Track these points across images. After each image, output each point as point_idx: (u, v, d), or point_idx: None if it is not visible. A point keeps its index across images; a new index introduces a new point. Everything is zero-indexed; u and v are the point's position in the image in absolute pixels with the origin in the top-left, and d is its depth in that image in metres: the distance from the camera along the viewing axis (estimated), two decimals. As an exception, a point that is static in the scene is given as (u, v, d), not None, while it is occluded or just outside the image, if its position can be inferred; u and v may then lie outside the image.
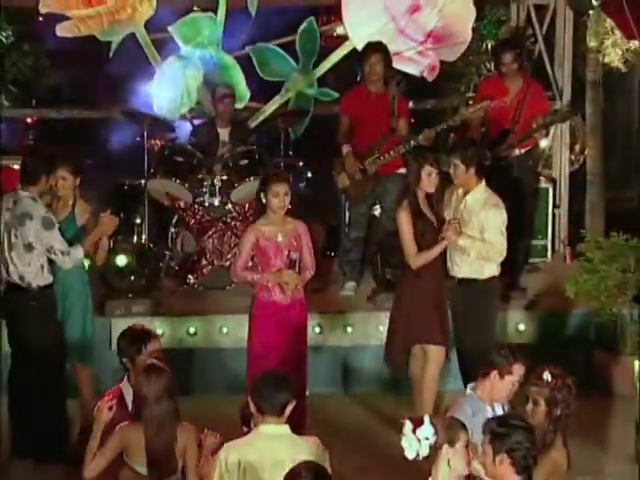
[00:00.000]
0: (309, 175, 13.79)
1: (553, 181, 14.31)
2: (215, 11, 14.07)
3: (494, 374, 8.70)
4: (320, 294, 12.81)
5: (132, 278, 12.39)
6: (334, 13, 14.24)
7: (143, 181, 13.18)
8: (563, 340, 12.37)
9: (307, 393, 11.21)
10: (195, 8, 14.25)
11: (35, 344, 10.54)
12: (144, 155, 13.31)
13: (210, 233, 12.94)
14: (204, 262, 13.00)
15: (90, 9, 13.75)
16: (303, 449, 7.87)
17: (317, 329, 12.22)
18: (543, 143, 14.28)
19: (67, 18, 13.78)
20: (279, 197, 10.57)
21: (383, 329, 11.82)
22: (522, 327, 12.34)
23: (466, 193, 10.86)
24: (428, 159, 11.08)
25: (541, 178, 14.17)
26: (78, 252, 10.72)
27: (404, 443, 7.74)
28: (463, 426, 7.88)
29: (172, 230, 13.17)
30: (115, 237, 11.88)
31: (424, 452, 7.63)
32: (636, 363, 11.05)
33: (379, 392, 11.61)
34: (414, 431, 7.70)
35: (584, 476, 10.23)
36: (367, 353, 12.29)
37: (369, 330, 12.35)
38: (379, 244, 12.98)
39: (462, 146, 11.36)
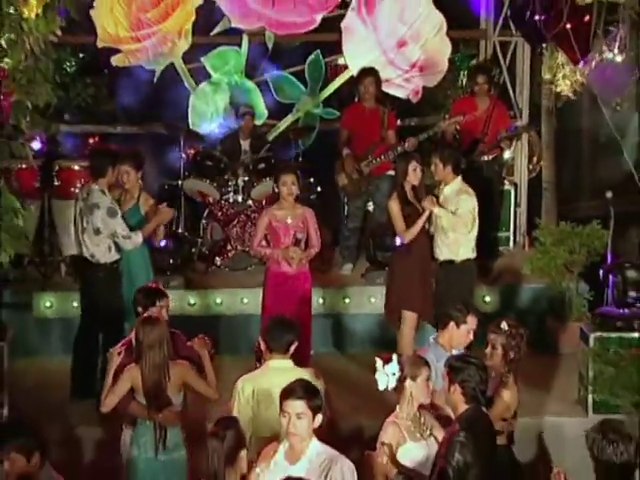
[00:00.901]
0: (319, 189, 13.66)
1: (515, 185, 14.33)
2: (239, 45, 14.12)
3: (452, 324, 8.87)
4: (324, 274, 12.86)
5: (170, 259, 12.49)
6: (336, 47, 14.15)
7: (180, 182, 13.21)
8: (521, 309, 12.46)
9: (312, 352, 11.43)
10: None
11: (101, 309, 10.62)
12: (180, 161, 13.54)
13: (234, 223, 12.96)
14: (229, 247, 13.04)
15: (138, 44, 13.78)
16: (304, 376, 7.77)
17: (321, 300, 12.35)
18: (507, 154, 14.16)
19: (119, 51, 13.80)
20: (287, 185, 10.75)
21: (374, 300, 12.22)
22: (488, 299, 12.41)
23: (445, 185, 11.04)
24: (414, 157, 11.28)
25: (505, 182, 14.16)
26: (138, 237, 10.75)
27: (377, 377, 7.91)
28: (426, 363, 8.05)
29: (203, 221, 13.14)
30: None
31: (392, 385, 7.82)
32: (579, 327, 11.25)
33: (371, 350, 11.47)
34: (383, 367, 7.87)
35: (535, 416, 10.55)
36: (361, 319, 12.44)
37: (363, 301, 12.48)
38: (372, 233, 13.13)
39: (440, 148, 11.44)
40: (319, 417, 6.91)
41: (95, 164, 11.06)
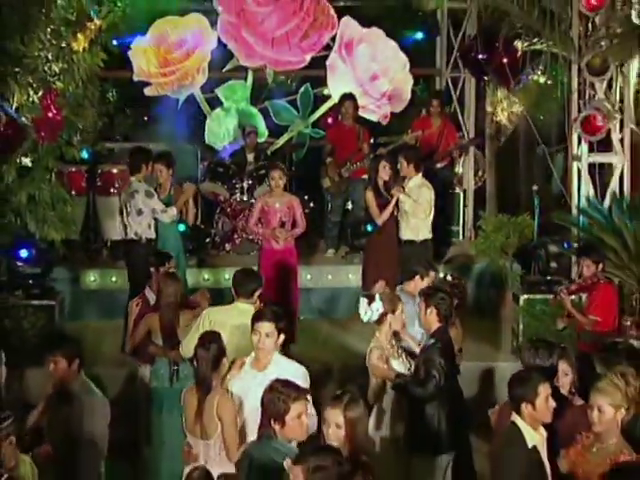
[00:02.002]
0: (312, 205, 13.64)
1: (464, 190, 14.37)
2: (245, 79, 14.18)
3: (417, 277, 8.97)
4: (312, 256, 13.01)
5: (189, 245, 12.46)
6: (322, 81, 14.17)
7: (198, 184, 13.18)
8: (469, 283, 12.39)
9: (301, 317, 11.50)
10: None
11: (144, 278, 10.66)
12: (198, 168, 13.67)
13: (240, 217, 12.94)
14: (236, 236, 13.04)
15: (165, 78, 13.76)
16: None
17: (309, 277, 12.44)
18: (458, 168, 14.32)
19: (150, 84, 13.84)
20: (275, 179, 10.90)
21: (352, 277, 12.30)
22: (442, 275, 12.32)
23: (409, 180, 11.14)
24: (383, 158, 11.49)
25: (456, 187, 14.23)
26: (172, 210, 10.80)
27: (360, 311, 7.99)
28: (400, 300, 8.17)
29: (216, 216, 13.17)
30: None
31: (374, 318, 7.88)
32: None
33: (349, 318, 11.64)
34: (369, 304, 7.95)
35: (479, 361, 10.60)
36: (341, 293, 12.42)
37: (342, 278, 12.58)
38: (350, 225, 13.26)
39: (405, 150, 11.61)
40: (282, 336, 6.95)
41: (133, 161, 11.09)
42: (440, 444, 7.65)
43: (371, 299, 8.02)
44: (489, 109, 14.61)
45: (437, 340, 7.69)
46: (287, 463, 5.25)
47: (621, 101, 11.17)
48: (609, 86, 10.98)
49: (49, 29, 11.58)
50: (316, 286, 12.53)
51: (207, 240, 13.20)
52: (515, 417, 6.21)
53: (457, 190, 14.22)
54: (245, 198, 13.04)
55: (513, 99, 14.61)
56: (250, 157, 13.35)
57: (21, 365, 9.68)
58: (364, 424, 5.87)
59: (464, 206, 14.33)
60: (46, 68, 11.63)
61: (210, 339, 6.91)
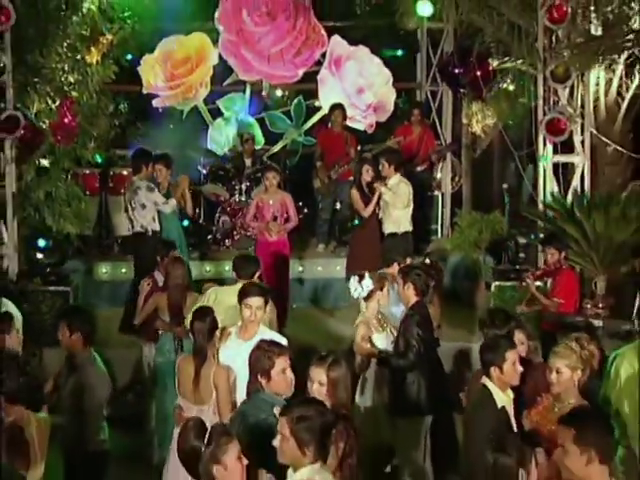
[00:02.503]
0: (305, 211, 13.56)
1: (442, 194, 14.30)
2: (244, 92, 14.14)
3: (395, 264, 8.98)
4: (305, 250, 12.98)
5: (192, 240, 12.40)
6: (314, 94, 14.18)
7: (200, 186, 13.33)
8: (446, 274, 12.19)
9: (294, 305, 11.56)
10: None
11: (149, 265, 10.59)
12: (200, 172, 13.66)
13: (239, 216, 12.82)
14: (235, 233, 12.94)
15: (171, 91, 13.74)
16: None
17: (301, 268, 12.46)
18: (437, 174, 14.26)
19: (157, 96, 13.83)
20: (269, 179, 10.95)
21: (339, 268, 12.12)
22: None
23: (389, 179, 11.14)
24: (366, 161, 11.63)
25: (435, 190, 14.16)
26: (172, 201, 10.84)
27: (351, 289, 8.04)
28: (386, 279, 8.27)
29: (217, 215, 13.10)
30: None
31: (363, 294, 7.92)
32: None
33: (338, 306, 11.67)
34: (359, 281, 7.98)
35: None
36: (330, 283, 12.37)
37: (331, 269, 12.50)
38: (338, 222, 13.26)
39: (386, 153, 11.67)
40: (267, 307, 7.12)
41: (135, 162, 11.12)
42: (420, 408, 7.69)
43: (361, 277, 8.09)
44: (465, 121, 14.54)
45: (415, 313, 7.76)
46: (277, 410, 5.20)
47: (582, 107, 11.21)
48: (571, 93, 11.02)
49: (65, 43, 11.74)
50: (308, 277, 12.51)
51: (209, 237, 13.13)
52: (485, 380, 6.22)
53: (436, 193, 14.16)
54: (243, 199, 12.95)
55: (487, 112, 14.62)
56: (248, 162, 13.28)
57: (39, 344, 9.68)
58: (345, 383, 5.79)
59: (442, 207, 14.28)
60: (62, 79, 11.79)
61: (205, 313, 6.99)
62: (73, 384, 6.74)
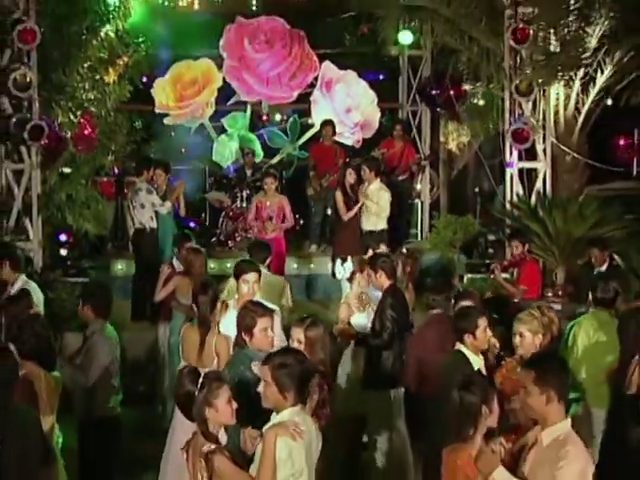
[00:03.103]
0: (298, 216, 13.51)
1: (421, 202, 14.33)
2: (245, 111, 14.07)
3: (370, 250, 8.98)
4: (299, 251, 12.92)
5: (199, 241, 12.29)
6: (307, 112, 14.16)
7: (206, 194, 13.41)
8: (424, 270, 12.17)
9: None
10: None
11: (147, 257, 10.58)
12: (206, 181, 13.68)
13: (240, 220, 12.75)
14: (237, 235, 12.87)
15: (180, 110, 13.69)
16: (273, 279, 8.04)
17: (295, 266, 12.41)
18: (417, 185, 14.17)
19: (168, 115, 13.78)
20: (267, 184, 10.94)
21: (329, 266, 11.70)
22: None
23: (369, 184, 11.02)
24: (350, 166, 11.49)
25: (415, 199, 14.13)
26: (168, 204, 10.80)
27: (336, 271, 7.99)
28: (366, 263, 8.04)
29: (221, 219, 13.08)
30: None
31: (346, 275, 7.90)
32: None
33: (328, 299, 11.62)
34: (342, 265, 7.94)
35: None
36: (322, 278, 12.27)
37: (322, 267, 12.37)
38: (329, 225, 13.05)
39: (367, 160, 11.53)
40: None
41: (138, 167, 11.16)
42: (394, 381, 7.51)
43: (344, 260, 8.10)
44: (442, 139, 14.69)
45: (389, 296, 7.56)
46: (255, 365, 5.28)
47: (544, 119, 11.25)
48: (534, 107, 11.05)
49: (86, 64, 11.83)
50: (302, 273, 12.49)
51: (213, 239, 13.08)
52: (459, 346, 6.17)
53: (416, 201, 14.16)
54: (244, 205, 12.88)
55: (462, 131, 14.71)
56: (249, 173, 13.27)
57: (60, 329, 9.68)
58: (322, 342, 5.71)
59: (422, 214, 14.28)
60: (83, 96, 11.87)
61: (208, 285, 6.95)
62: (85, 349, 6.75)
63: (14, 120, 10.28)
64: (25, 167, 10.57)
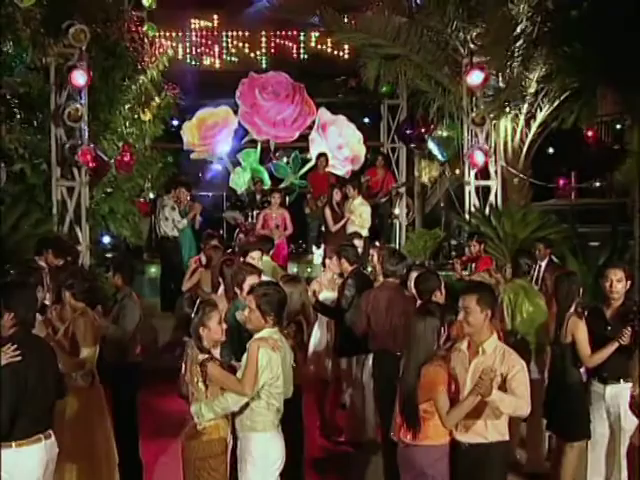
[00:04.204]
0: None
1: (400, 223, 14.28)
2: (256, 147, 14.13)
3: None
4: (299, 257, 12.94)
5: None
6: (306, 149, 14.26)
7: (222, 213, 13.52)
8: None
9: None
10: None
11: (170, 260, 10.62)
12: (224, 203, 13.79)
13: (251, 234, 12.22)
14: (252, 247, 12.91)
15: (204, 147, 13.85)
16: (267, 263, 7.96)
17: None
18: (396, 210, 14.18)
19: (193, 151, 13.91)
20: (274, 199, 11.06)
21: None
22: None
23: (354, 200, 11.06)
24: (336, 186, 11.56)
25: (395, 219, 14.12)
26: (184, 221, 10.99)
27: (314, 257, 7.90)
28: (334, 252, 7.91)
29: (235, 233, 12.98)
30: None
31: (319, 261, 7.83)
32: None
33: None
34: (317, 250, 7.88)
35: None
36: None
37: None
38: (322, 236, 13.00)
39: (352, 181, 11.65)
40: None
41: (165, 185, 11.48)
42: (358, 348, 7.22)
43: (319, 247, 8.03)
44: (416, 174, 14.82)
45: (350, 277, 7.36)
46: (240, 315, 5.33)
47: (495, 147, 11.26)
48: (487, 137, 11.09)
49: (127, 106, 11.94)
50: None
51: (229, 250, 12.98)
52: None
53: (395, 221, 14.17)
54: (255, 222, 12.82)
55: (432, 166, 14.87)
56: (258, 197, 13.24)
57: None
58: (298, 295, 5.78)
59: (399, 231, 14.27)
60: (124, 131, 11.98)
61: (231, 261, 6.94)
62: (116, 310, 6.81)
63: (68, 146, 10.34)
64: (76, 185, 10.61)
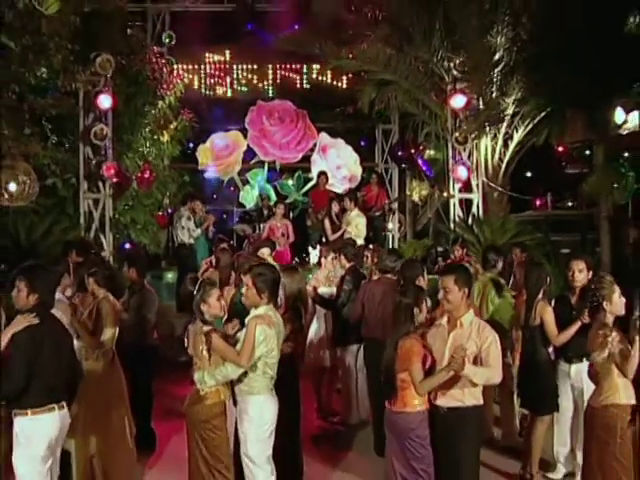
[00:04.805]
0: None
1: (392, 235, 14.36)
2: (263, 167, 14.19)
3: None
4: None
5: None
6: (308, 169, 14.28)
7: (233, 226, 13.55)
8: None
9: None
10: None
11: (186, 264, 10.67)
12: (234, 217, 13.85)
13: (258, 245, 12.81)
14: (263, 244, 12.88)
15: (216, 167, 13.87)
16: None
17: None
18: (389, 225, 14.14)
19: (207, 171, 13.99)
20: (279, 209, 11.09)
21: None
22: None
23: (351, 212, 10.99)
24: (335, 199, 11.63)
25: (388, 232, 14.17)
26: (198, 231, 10.98)
27: (311, 257, 7.87)
28: (332, 251, 8.13)
29: (244, 244, 12.87)
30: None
31: (316, 260, 7.86)
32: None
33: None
34: (314, 249, 7.88)
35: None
36: None
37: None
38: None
39: (348, 195, 11.51)
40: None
41: (182, 198, 11.52)
42: (351, 338, 7.32)
43: (315, 247, 8.06)
44: (408, 193, 14.85)
45: (348, 273, 7.44)
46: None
47: (477, 164, 11.31)
48: (469, 154, 11.14)
49: (147, 128, 12.09)
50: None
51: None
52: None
53: (388, 234, 14.19)
54: (261, 233, 12.94)
55: (422, 186, 14.91)
56: (265, 212, 13.27)
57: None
58: (296, 283, 5.81)
59: (393, 241, 14.30)
60: (145, 151, 12.12)
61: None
62: (134, 300, 6.89)
63: (94, 162, 10.48)
64: (101, 197, 10.71)
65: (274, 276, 4.91)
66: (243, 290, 4.93)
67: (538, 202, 15.61)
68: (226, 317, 5.25)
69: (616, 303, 4.87)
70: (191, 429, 4.81)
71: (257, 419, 4.81)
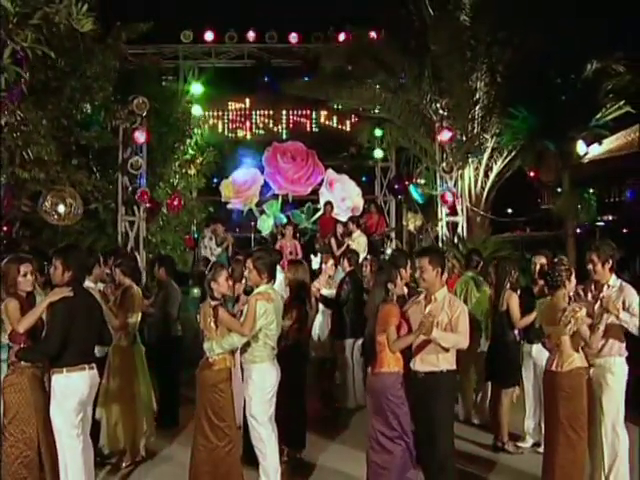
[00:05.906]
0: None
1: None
2: (277, 199, 14.25)
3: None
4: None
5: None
6: (316, 201, 14.32)
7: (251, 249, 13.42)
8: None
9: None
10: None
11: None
12: (252, 243, 13.95)
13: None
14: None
15: (237, 199, 13.97)
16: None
17: None
18: (388, 250, 13.64)
19: (229, 203, 14.09)
20: (289, 230, 11.14)
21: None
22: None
23: (354, 233, 11.01)
24: (339, 222, 11.69)
25: (386, 253, 14.08)
26: (219, 250, 11.13)
27: (314, 261, 7.97)
28: (333, 257, 8.30)
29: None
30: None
31: (317, 265, 7.94)
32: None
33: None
34: (315, 255, 7.96)
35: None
36: None
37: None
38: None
39: (352, 219, 11.60)
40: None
41: (206, 221, 11.69)
42: (347, 331, 7.44)
43: (316, 255, 8.11)
44: (404, 223, 14.91)
45: (347, 276, 7.55)
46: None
47: (461, 191, 11.40)
48: (455, 182, 11.20)
49: (177, 162, 12.36)
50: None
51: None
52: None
53: (388, 252, 14.06)
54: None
55: (417, 217, 14.98)
56: (279, 237, 13.31)
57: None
58: (301, 276, 5.88)
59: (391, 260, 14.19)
60: (175, 182, 12.37)
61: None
62: (161, 296, 7.06)
63: (130, 189, 10.69)
64: (136, 219, 10.83)
65: (272, 259, 5.06)
66: (245, 273, 5.07)
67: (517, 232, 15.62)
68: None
69: (572, 282, 4.98)
70: (200, 392, 4.91)
71: (260, 383, 4.91)
